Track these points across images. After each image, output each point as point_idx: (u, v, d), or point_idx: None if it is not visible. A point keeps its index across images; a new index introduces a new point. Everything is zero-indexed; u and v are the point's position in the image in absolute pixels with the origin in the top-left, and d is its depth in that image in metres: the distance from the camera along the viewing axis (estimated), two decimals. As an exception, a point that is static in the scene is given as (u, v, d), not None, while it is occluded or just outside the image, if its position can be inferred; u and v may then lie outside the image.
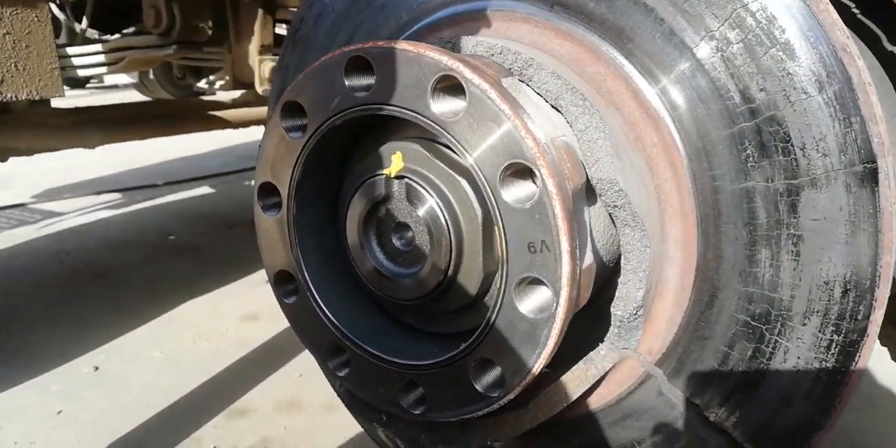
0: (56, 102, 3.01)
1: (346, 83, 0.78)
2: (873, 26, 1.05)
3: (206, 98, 3.56)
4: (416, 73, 0.73)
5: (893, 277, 0.72)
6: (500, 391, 0.73)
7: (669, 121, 0.80)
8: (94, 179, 4.81)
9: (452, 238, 0.76)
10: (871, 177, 0.71)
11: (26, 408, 1.89)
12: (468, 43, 0.86)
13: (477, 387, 0.75)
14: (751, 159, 0.76)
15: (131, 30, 2.59)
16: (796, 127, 0.74)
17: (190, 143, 3.06)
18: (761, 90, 0.75)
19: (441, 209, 0.77)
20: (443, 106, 0.73)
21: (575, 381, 0.82)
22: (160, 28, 2.27)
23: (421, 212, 0.78)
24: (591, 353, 0.79)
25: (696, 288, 0.79)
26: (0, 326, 2.44)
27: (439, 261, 0.77)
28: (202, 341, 2.41)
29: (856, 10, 1.06)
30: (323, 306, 0.84)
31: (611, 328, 0.78)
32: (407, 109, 0.74)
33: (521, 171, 0.69)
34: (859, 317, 0.72)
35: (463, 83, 0.70)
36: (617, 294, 0.77)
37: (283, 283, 0.88)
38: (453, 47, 0.88)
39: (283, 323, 1.40)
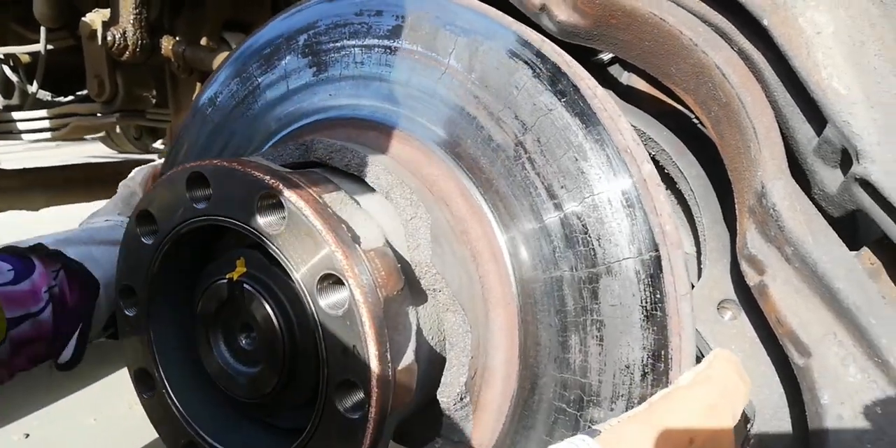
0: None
1: (188, 195, 0.84)
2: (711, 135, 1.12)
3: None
4: (244, 189, 0.79)
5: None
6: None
7: (491, 215, 0.87)
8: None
9: (286, 340, 0.81)
10: (655, 264, 0.78)
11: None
12: (316, 144, 0.94)
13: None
14: (558, 250, 0.83)
15: (84, 92, 2.65)
16: (592, 220, 0.81)
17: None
18: (562, 187, 0.83)
19: (275, 312, 0.82)
20: (268, 219, 0.79)
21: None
22: (103, 97, 2.32)
23: (258, 315, 0.83)
24: (426, 446, 0.83)
25: (520, 375, 0.84)
26: (-74, 393, 2.42)
27: (276, 361, 0.82)
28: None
29: (696, 121, 1.14)
30: (177, 403, 0.89)
31: (442, 419, 0.82)
32: (238, 221, 0.80)
33: (336, 281, 0.75)
34: (658, 398, 0.78)
35: (282, 201, 0.77)
36: (442, 380, 0.83)
37: (141, 379, 0.92)
38: (307, 149, 0.96)
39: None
